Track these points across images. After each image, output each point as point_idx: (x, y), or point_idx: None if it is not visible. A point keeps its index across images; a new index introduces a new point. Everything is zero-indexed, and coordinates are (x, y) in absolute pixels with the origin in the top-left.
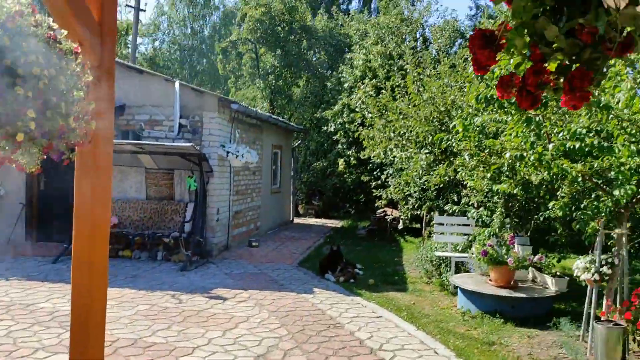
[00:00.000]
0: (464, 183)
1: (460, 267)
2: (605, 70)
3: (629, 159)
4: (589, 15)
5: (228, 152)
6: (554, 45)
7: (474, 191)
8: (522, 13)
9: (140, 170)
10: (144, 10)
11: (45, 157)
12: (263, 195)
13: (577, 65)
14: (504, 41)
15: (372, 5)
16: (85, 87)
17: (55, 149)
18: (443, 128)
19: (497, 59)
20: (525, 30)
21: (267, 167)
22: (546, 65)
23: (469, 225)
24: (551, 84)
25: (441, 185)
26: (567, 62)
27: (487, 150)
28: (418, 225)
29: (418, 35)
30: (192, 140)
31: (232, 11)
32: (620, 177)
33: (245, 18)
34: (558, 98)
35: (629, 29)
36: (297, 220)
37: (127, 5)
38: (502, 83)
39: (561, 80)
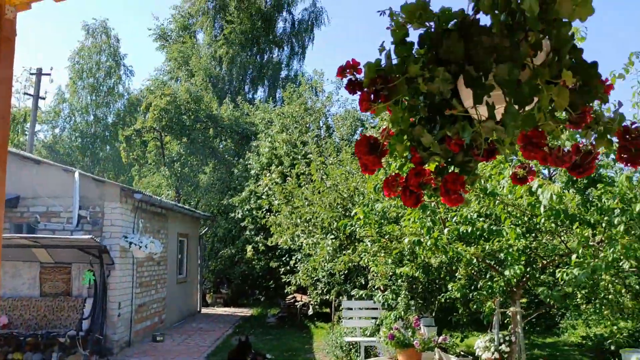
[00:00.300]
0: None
1: (370, 352)
2: (476, 171)
3: (516, 240)
4: (456, 126)
5: (131, 243)
6: (431, 149)
7: (379, 275)
8: (400, 122)
9: (35, 265)
10: (44, 98)
11: None
12: (168, 285)
13: (453, 167)
14: (386, 146)
15: (277, 95)
16: None
17: None
18: (347, 214)
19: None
20: (405, 136)
21: (172, 257)
22: (426, 166)
23: (376, 308)
24: (432, 183)
25: (346, 271)
26: (444, 163)
27: (388, 236)
28: (328, 310)
29: (321, 124)
30: (92, 231)
31: (138, 98)
32: (509, 258)
33: (150, 107)
34: (438, 196)
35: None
36: (205, 310)
37: (25, 93)
38: (388, 183)
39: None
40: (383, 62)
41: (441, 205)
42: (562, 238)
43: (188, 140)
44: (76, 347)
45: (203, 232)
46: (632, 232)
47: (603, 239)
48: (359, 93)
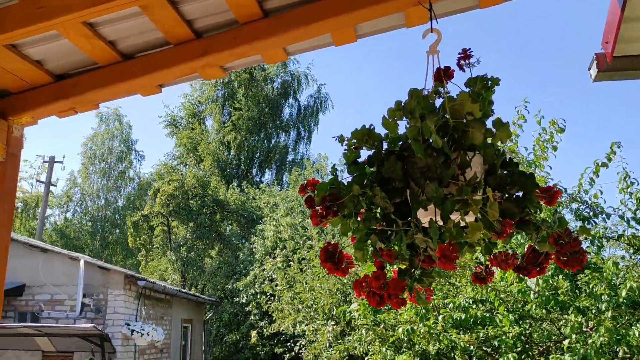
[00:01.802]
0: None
1: None
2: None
3: (510, 327)
4: (393, 238)
5: (133, 331)
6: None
7: None
8: (353, 233)
9: (37, 354)
10: (55, 185)
11: None
12: None
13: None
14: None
15: (284, 179)
16: None
17: None
18: (347, 299)
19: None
20: (363, 244)
21: (176, 344)
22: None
23: None
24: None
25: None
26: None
27: (383, 325)
28: None
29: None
30: (95, 319)
31: (148, 182)
32: (503, 346)
33: (158, 193)
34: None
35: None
36: None
37: (38, 180)
38: (356, 285)
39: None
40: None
41: (437, 292)
42: (556, 325)
43: (194, 225)
44: None
45: (208, 317)
46: (619, 318)
47: (594, 325)
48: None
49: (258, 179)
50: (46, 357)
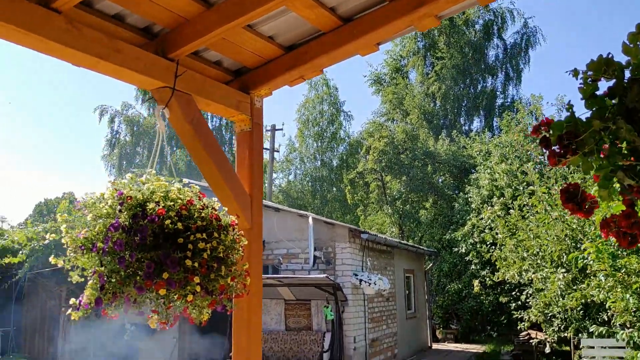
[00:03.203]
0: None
1: None
2: None
3: None
4: None
5: (361, 280)
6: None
7: (619, 311)
8: (596, 171)
9: (280, 302)
10: (278, 151)
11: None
12: (399, 321)
13: None
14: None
15: (494, 124)
16: (241, 251)
17: (218, 303)
18: (577, 246)
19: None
20: (609, 182)
21: (400, 293)
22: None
23: (622, 347)
24: None
25: (584, 307)
26: None
27: (624, 270)
28: (568, 348)
29: (544, 151)
30: (326, 270)
31: (358, 141)
32: None
33: (370, 150)
34: None
35: None
36: (435, 345)
37: (264, 148)
38: (603, 225)
39: None
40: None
41: None
42: None
43: (407, 178)
44: None
45: (428, 267)
46: None
47: None
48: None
49: (467, 128)
50: (288, 304)
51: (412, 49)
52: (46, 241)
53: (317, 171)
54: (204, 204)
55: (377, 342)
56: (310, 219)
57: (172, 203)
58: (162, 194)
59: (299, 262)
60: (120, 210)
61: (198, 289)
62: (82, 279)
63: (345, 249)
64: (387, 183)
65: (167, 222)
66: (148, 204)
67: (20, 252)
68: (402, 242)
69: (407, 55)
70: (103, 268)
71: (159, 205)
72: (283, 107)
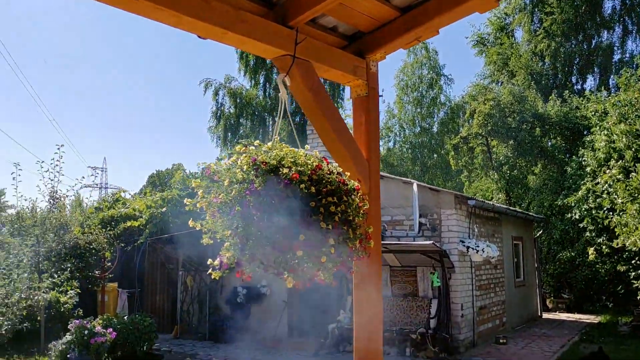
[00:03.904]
0: None
1: None
2: None
3: None
4: None
5: (468, 247)
6: None
7: None
8: None
9: (385, 268)
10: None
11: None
12: (507, 289)
13: None
14: None
15: (610, 82)
16: (364, 214)
17: (345, 265)
18: None
19: None
20: None
21: (508, 260)
22: None
23: None
24: None
25: None
26: None
27: None
28: None
29: None
30: (432, 237)
31: (460, 105)
32: None
33: (474, 114)
34: None
35: None
36: (546, 315)
37: None
38: None
39: None
40: None
41: None
42: None
43: (515, 142)
44: (426, 344)
45: (537, 235)
46: None
47: None
48: None
49: (579, 87)
50: (393, 271)
51: (518, 5)
52: (164, 209)
53: (416, 137)
54: (330, 169)
55: (485, 309)
56: (414, 186)
57: (302, 168)
58: (291, 160)
59: (403, 229)
60: (256, 176)
61: (332, 250)
62: (211, 242)
63: (451, 216)
64: (493, 148)
65: (302, 186)
66: (281, 169)
67: (140, 218)
68: (510, 208)
69: (512, 13)
70: (242, 230)
71: (291, 171)
72: (381, 74)
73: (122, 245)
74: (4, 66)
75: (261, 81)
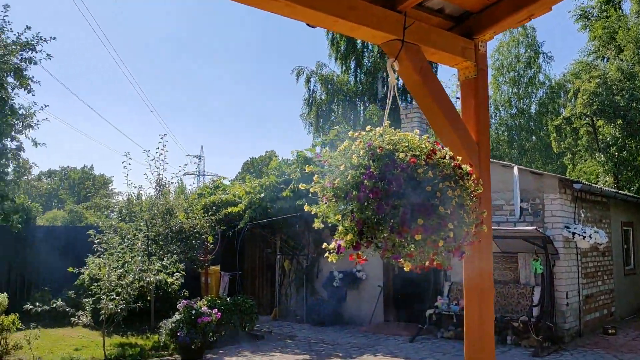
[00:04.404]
0: None
1: None
2: None
3: None
4: None
5: (573, 234)
6: None
7: None
8: None
9: None
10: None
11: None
12: (615, 277)
13: None
14: None
15: None
16: (477, 199)
17: (459, 250)
18: None
19: None
20: None
21: (617, 247)
22: None
23: None
24: None
25: None
26: None
27: None
28: None
29: None
30: (534, 222)
31: (561, 84)
32: None
33: (578, 93)
34: None
35: None
36: None
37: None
38: None
39: None
40: None
41: None
42: None
43: (624, 122)
44: (528, 332)
45: None
46: None
47: None
48: None
49: None
50: (493, 257)
51: None
52: (262, 195)
53: (513, 119)
54: (444, 153)
55: (591, 298)
56: (515, 170)
57: (417, 152)
58: (405, 144)
59: (503, 214)
60: (372, 160)
61: (451, 234)
62: (322, 226)
63: (555, 200)
64: (599, 128)
65: (420, 170)
66: (397, 153)
67: (240, 204)
68: (620, 192)
69: None
70: (358, 214)
71: (407, 155)
72: None
73: (223, 229)
74: (108, 60)
75: (352, 66)
